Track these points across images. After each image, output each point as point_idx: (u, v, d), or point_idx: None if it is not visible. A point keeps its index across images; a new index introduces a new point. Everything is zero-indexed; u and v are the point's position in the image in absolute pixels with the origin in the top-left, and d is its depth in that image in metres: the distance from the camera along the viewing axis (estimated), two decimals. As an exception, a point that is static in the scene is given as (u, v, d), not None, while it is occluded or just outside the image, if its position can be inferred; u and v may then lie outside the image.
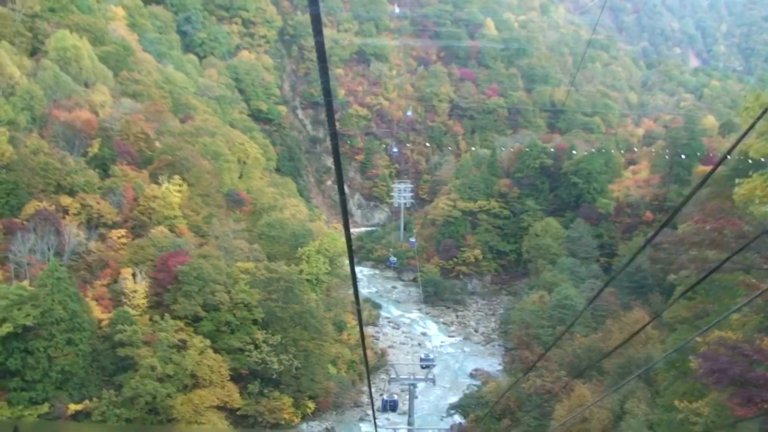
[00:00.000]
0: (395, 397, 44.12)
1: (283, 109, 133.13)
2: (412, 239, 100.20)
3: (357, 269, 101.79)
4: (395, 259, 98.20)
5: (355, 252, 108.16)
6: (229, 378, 54.56)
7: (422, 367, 41.82)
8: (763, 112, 5.66)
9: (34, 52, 77.12)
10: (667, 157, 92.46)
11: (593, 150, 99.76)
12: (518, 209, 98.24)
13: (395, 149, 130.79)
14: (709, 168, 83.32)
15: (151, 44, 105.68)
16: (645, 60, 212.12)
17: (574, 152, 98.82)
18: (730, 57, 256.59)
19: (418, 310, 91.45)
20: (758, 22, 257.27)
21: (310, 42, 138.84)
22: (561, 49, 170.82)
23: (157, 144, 69.50)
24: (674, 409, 32.63)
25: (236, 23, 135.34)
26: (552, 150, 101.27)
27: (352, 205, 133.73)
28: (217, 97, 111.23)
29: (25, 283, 49.06)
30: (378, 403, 55.30)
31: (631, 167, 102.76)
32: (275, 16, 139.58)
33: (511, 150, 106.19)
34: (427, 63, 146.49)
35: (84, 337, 48.80)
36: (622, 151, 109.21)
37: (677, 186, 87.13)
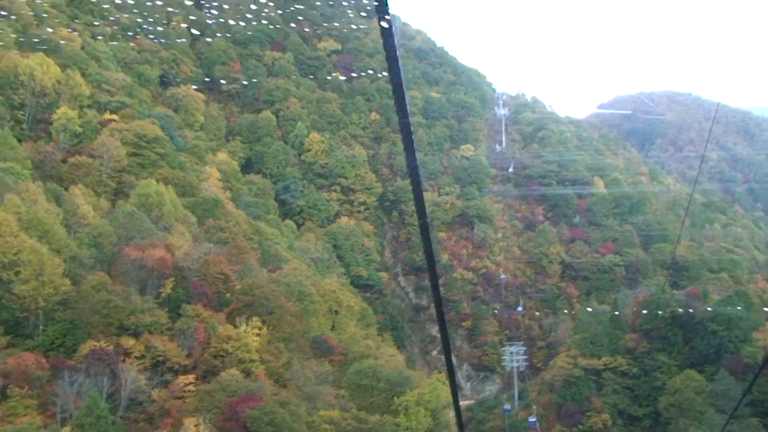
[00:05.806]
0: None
1: (384, 275, 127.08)
2: (533, 418, 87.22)
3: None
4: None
5: (465, 423, 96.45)
6: None
7: None
8: None
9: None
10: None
11: (730, 294, 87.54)
12: (649, 366, 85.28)
13: (521, 308, 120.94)
14: None
15: (247, 207, 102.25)
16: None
17: (708, 298, 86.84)
18: None
19: (541, 485, 78.19)
20: None
21: (410, 207, 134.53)
22: (676, 210, 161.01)
23: (238, 287, 62.91)
24: None
25: (335, 191, 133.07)
26: (682, 298, 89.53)
27: (460, 377, 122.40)
28: (314, 259, 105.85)
29: (66, 429, 41.37)
30: None
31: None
32: (374, 182, 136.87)
33: (636, 300, 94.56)
34: (533, 224, 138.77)
35: (128, 493, 39.96)
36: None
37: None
